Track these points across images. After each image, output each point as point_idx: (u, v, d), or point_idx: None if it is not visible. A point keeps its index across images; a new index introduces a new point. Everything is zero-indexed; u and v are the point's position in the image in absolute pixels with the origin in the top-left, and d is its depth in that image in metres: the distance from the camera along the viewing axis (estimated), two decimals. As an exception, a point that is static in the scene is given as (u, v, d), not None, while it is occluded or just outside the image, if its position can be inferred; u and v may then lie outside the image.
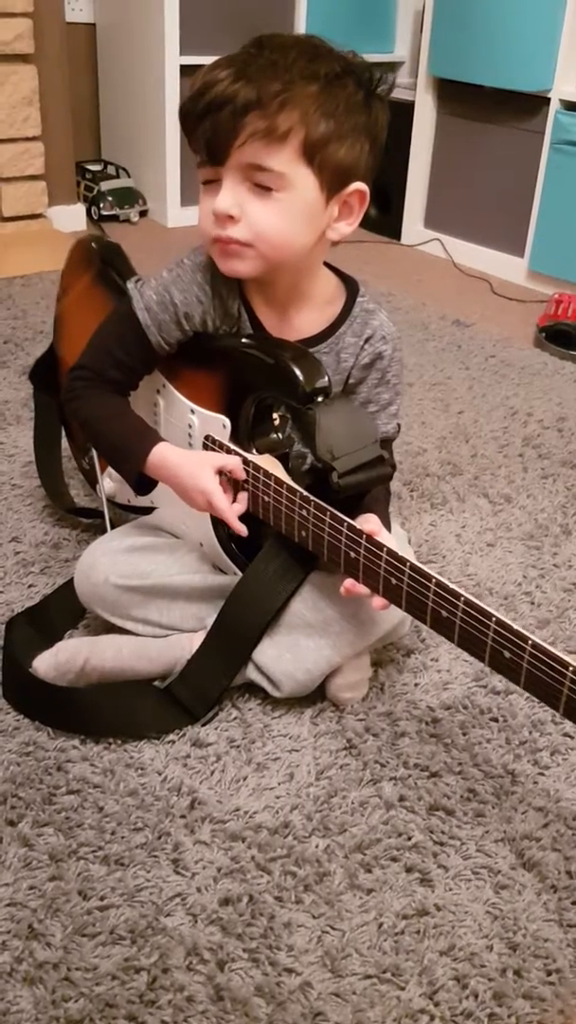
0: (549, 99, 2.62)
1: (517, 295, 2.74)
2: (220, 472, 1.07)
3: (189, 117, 0.99)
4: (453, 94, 2.92)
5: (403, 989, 0.85)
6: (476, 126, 2.88)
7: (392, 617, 1.13)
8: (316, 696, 1.15)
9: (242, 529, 1.07)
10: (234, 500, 1.08)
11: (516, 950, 0.88)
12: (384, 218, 3.22)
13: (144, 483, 1.11)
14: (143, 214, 3.22)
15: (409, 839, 0.99)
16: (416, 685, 1.20)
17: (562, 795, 1.05)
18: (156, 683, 1.14)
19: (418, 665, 1.24)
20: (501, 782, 1.06)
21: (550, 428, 1.93)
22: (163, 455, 1.07)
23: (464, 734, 1.13)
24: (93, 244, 1.34)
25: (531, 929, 0.90)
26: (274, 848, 0.96)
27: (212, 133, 0.96)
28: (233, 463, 1.07)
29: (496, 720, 1.15)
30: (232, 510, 1.07)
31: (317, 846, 0.97)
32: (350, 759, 1.08)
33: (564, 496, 1.67)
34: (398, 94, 3.09)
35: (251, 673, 1.12)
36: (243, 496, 1.08)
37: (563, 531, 1.56)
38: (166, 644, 1.14)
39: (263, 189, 0.98)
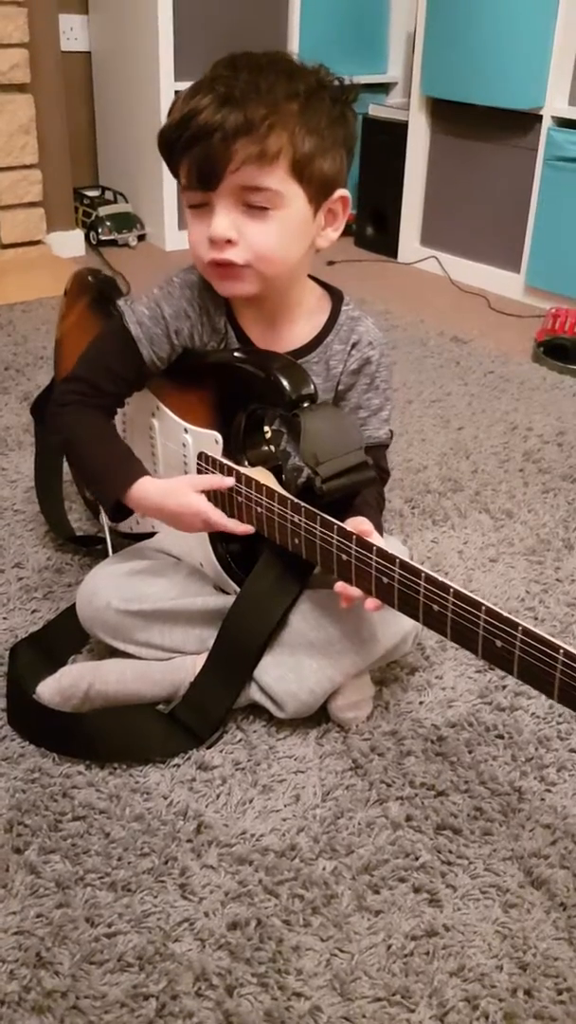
0: (541, 116, 2.64)
1: (514, 310, 2.75)
2: (204, 491, 1.08)
3: (173, 146, 1.00)
4: (446, 113, 2.94)
5: (413, 1011, 0.84)
6: (470, 144, 2.90)
7: (394, 635, 1.13)
8: (321, 716, 1.15)
9: (247, 528, 1.07)
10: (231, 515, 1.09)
11: (526, 969, 0.88)
12: (380, 237, 3.24)
13: (120, 511, 1.12)
14: (141, 238, 3.24)
15: (416, 859, 0.98)
16: (421, 703, 1.20)
17: (569, 811, 1.05)
18: (160, 707, 1.14)
19: (422, 683, 1.23)
20: (508, 799, 1.06)
21: (550, 442, 1.93)
22: (144, 489, 1.08)
23: (470, 752, 1.12)
24: (90, 278, 1.35)
25: (541, 948, 0.90)
26: (281, 871, 0.96)
27: (203, 160, 0.97)
28: (212, 480, 1.08)
29: (502, 737, 1.15)
30: (230, 520, 1.08)
31: (324, 868, 0.97)
32: (356, 779, 1.08)
33: (565, 510, 1.67)
34: (392, 114, 3.11)
35: (255, 694, 1.12)
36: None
37: (565, 545, 1.56)
38: (169, 667, 1.14)
39: (258, 209, 0.99)
